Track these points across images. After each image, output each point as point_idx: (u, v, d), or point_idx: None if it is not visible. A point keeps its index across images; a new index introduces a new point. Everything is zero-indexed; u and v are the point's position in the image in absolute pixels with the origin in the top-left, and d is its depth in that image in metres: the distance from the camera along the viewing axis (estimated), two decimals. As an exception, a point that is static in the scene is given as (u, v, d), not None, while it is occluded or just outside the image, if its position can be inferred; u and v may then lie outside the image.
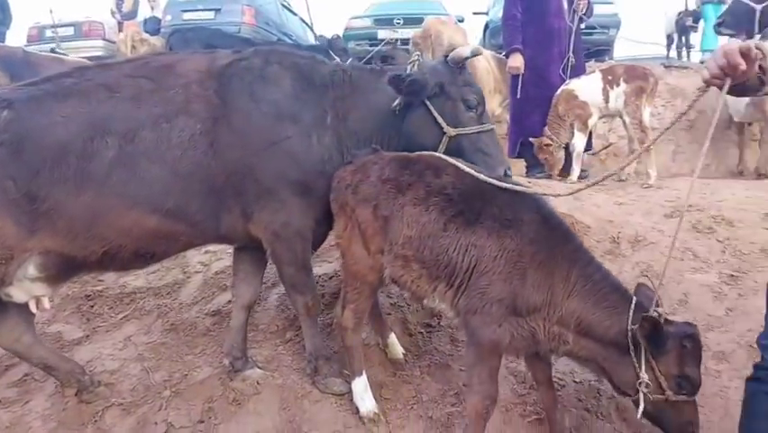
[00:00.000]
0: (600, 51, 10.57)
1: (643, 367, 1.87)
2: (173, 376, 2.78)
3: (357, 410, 2.49)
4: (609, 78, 5.18)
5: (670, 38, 12.23)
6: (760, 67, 1.62)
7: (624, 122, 5.34)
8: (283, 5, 12.00)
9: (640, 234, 3.53)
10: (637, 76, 5.12)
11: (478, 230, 2.10)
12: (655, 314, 1.85)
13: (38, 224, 2.16)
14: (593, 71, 5.41)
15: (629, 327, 1.90)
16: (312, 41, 11.97)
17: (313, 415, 2.52)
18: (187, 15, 10.39)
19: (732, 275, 3.14)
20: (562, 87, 5.37)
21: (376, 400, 2.53)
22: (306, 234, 2.52)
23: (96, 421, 2.56)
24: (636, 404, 1.92)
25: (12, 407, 2.71)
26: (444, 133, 2.51)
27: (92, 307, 3.39)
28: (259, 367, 2.76)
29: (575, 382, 2.60)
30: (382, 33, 10.40)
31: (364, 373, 2.51)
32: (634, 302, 1.95)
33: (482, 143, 2.56)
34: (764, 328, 1.83)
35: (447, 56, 2.60)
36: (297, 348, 2.92)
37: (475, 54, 2.62)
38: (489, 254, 2.06)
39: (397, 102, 2.49)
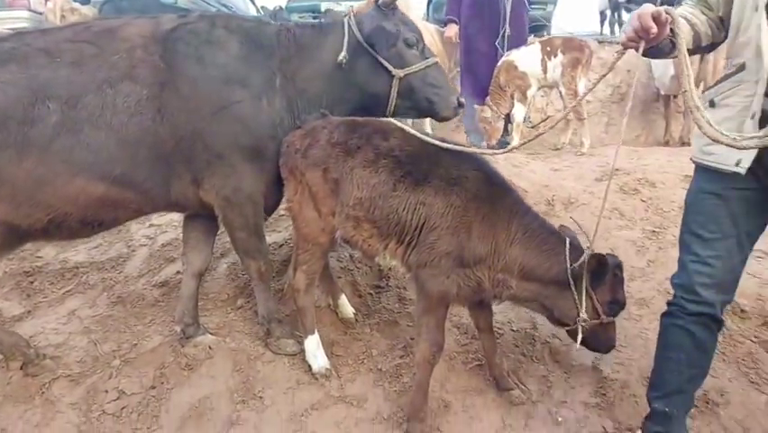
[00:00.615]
0: (538, 27, 10.84)
1: (583, 299, 2.09)
2: (122, 346, 2.78)
3: (310, 368, 2.58)
4: (548, 49, 5.36)
5: (603, 14, 12.67)
6: (671, 30, 1.78)
7: (560, 92, 5.57)
8: (222, -25, 11.60)
9: (573, 196, 3.76)
10: (574, 47, 5.33)
11: (426, 189, 2.20)
12: (590, 252, 2.08)
13: None
14: (533, 43, 5.59)
15: (569, 266, 2.08)
16: (253, 12, 11.67)
17: (266, 375, 2.59)
18: (120, -16, 9.87)
19: (653, 231, 3.41)
20: (503, 59, 5.53)
21: (328, 357, 2.63)
22: (258, 198, 2.55)
23: (43, 393, 2.52)
24: (575, 334, 2.14)
25: (-48, 384, 2.64)
26: (393, 75, 2.56)
27: (32, 283, 3.29)
28: (210, 333, 2.79)
29: (512, 330, 2.79)
30: (325, 5, 10.26)
31: (316, 332, 2.60)
32: (568, 243, 2.15)
33: (431, 78, 2.64)
34: (677, 270, 2.04)
35: (378, 1, 2.63)
36: (249, 315, 2.97)
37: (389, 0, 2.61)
38: (436, 211, 2.17)
39: (342, 55, 2.51)
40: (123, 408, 2.43)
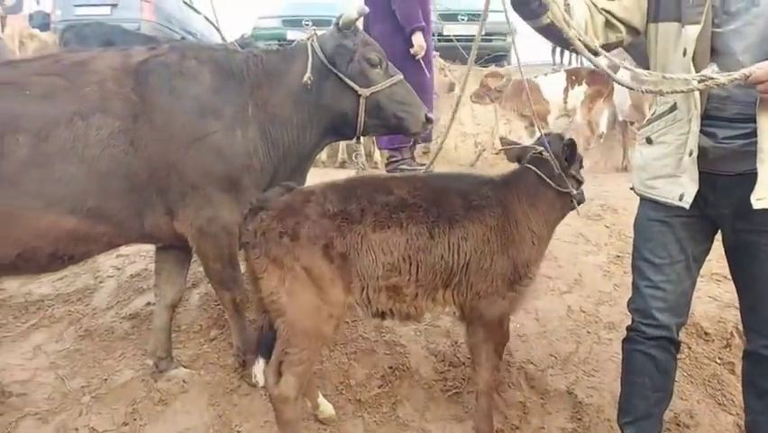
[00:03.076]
0: (499, 57, 11.24)
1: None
2: (91, 382, 2.70)
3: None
4: (573, 78, 5.47)
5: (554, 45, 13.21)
6: None
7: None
8: (185, 2, 11.59)
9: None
10: (599, 80, 5.39)
11: (461, 222, 2.10)
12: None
13: None
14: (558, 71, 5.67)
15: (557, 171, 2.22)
16: (218, 39, 11.68)
17: (243, 408, 2.56)
18: (80, 11, 9.72)
19: (618, 256, 3.55)
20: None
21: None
22: (233, 229, 2.53)
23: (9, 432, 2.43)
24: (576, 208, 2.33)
25: None
26: (359, 95, 2.57)
27: (-6, 317, 3.17)
28: (184, 366, 2.74)
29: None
30: (291, 34, 10.37)
31: None
32: (532, 167, 2.27)
33: (398, 95, 2.65)
34: (631, 295, 2.13)
35: (338, 23, 2.64)
36: (223, 346, 2.93)
37: (361, 14, 2.64)
38: (479, 239, 2.11)
39: (306, 76, 2.51)
40: (94, 446, 2.36)
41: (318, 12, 10.91)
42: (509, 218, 2.17)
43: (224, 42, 9.53)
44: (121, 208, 2.36)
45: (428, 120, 2.75)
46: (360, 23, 2.70)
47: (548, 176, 2.22)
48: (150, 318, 3.06)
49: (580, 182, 2.33)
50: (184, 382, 2.64)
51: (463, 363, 2.78)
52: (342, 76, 2.56)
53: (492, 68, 9.10)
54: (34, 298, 3.31)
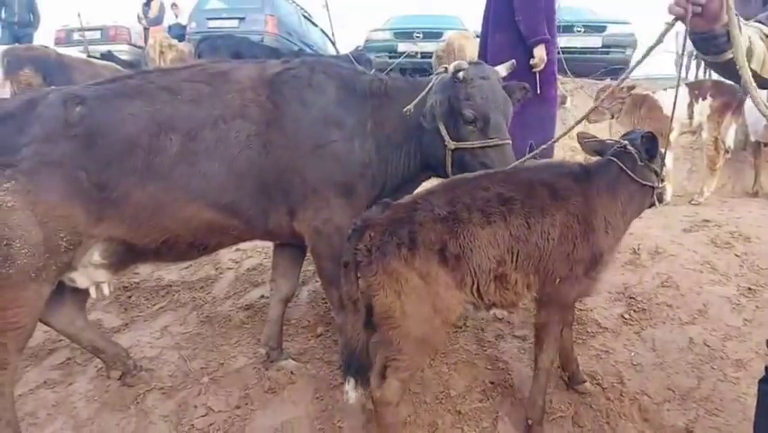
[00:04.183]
0: (617, 70, 10.69)
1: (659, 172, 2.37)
2: (210, 364, 2.91)
3: None
4: (696, 92, 5.12)
5: (679, 58, 12.29)
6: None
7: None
8: (304, 17, 12.27)
9: (660, 246, 3.64)
10: (724, 91, 5.03)
11: (549, 211, 2.20)
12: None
13: (105, 212, 2.30)
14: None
15: (631, 169, 2.31)
16: (331, 51, 12.23)
17: (344, 406, 2.63)
18: (212, 23, 10.67)
19: (750, 288, 3.23)
20: (645, 95, 5.42)
21: (405, 394, 2.63)
22: (345, 231, 2.64)
23: (137, 403, 2.69)
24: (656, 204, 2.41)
25: (56, 388, 2.85)
26: (446, 145, 2.57)
27: (129, 298, 3.53)
28: (293, 359, 2.88)
29: (597, 384, 2.69)
30: (402, 46, 10.60)
31: None
32: (614, 158, 2.35)
33: (486, 158, 2.54)
34: None
35: (454, 71, 2.61)
36: (328, 342, 3.04)
37: (457, 70, 2.54)
38: (564, 225, 2.21)
39: (407, 108, 2.54)
40: (210, 424, 2.54)
41: (429, 24, 11.06)
42: (589, 207, 2.25)
43: (339, 54, 9.98)
44: (251, 206, 2.54)
45: None
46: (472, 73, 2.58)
47: (630, 169, 2.31)
48: (263, 310, 3.26)
49: (660, 178, 2.40)
50: (292, 373, 2.78)
51: (568, 388, 2.67)
52: (439, 123, 2.58)
53: (608, 81, 8.70)
54: (163, 283, 3.65)
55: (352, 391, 2.30)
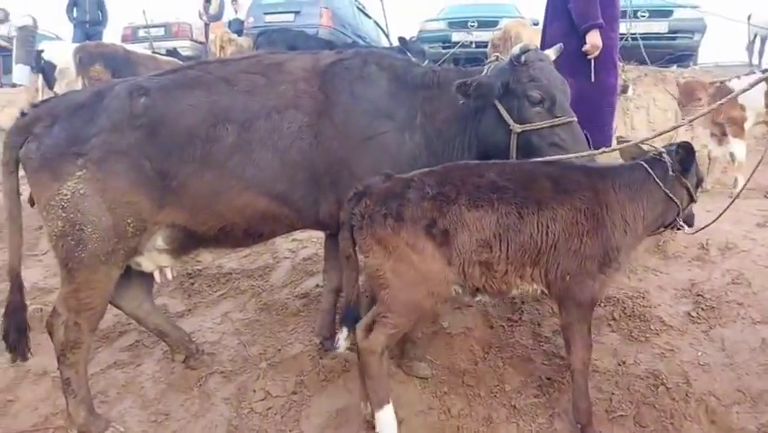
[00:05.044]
0: (684, 56, 10.16)
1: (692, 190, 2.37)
2: (267, 350, 3.00)
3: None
4: None
5: (752, 43, 11.54)
6: None
7: None
8: (358, 8, 12.31)
9: (731, 241, 3.44)
10: None
11: (549, 204, 2.21)
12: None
13: (167, 199, 2.40)
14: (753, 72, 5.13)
15: (662, 181, 2.29)
16: (384, 42, 12.22)
17: (399, 395, 2.63)
18: (268, 18, 10.87)
19: None
20: (717, 85, 5.15)
21: (458, 385, 2.63)
22: None
23: (200, 385, 2.81)
24: (680, 225, 2.41)
25: (126, 368, 3.02)
26: (511, 130, 2.52)
27: (192, 284, 3.68)
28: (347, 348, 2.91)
29: (663, 384, 2.59)
30: (456, 36, 10.45)
31: (390, 402, 2.29)
32: (646, 165, 2.33)
33: (556, 138, 2.52)
34: None
35: (513, 55, 2.59)
36: (382, 333, 3.06)
37: (523, 51, 2.54)
38: (568, 221, 2.21)
39: (462, 101, 2.52)
40: (268, 408, 2.62)
41: (484, 13, 10.86)
42: (600, 203, 2.24)
43: (392, 46, 9.97)
44: (302, 195, 2.58)
45: None
46: (533, 57, 2.57)
47: (660, 177, 2.30)
48: (318, 299, 3.32)
49: (691, 198, 2.38)
50: (346, 361, 2.82)
51: (629, 388, 2.58)
52: (500, 108, 2.54)
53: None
54: (224, 271, 3.78)
55: (342, 341, 2.36)
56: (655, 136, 2.84)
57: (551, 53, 2.75)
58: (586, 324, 2.29)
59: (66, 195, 2.30)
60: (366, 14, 12.68)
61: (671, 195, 2.31)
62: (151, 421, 2.63)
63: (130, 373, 2.98)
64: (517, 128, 2.52)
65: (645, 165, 2.33)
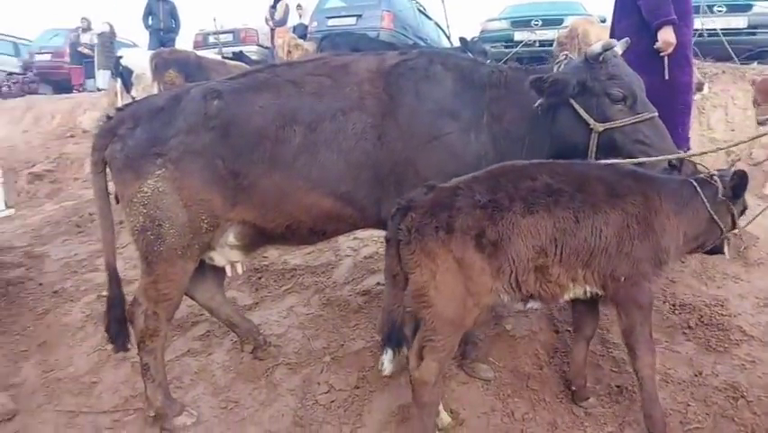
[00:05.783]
0: (765, 53, 9.54)
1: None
2: (331, 345, 3.06)
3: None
4: None
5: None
6: None
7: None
8: (419, 10, 12.34)
9: (819, 248, 3.22)
10: None
11: (603, 208, 2.19)
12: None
13: (238, 197, 2.50)
14: None
15: (710, 204, 2.30)
16: (445, 43, 12.19)
17: (460, 396, 2.64)
18: (331, 21, 11.08)
19: None
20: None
21: (523, 389, 2.59)
22: None
23: (267, 376, 2.90)
24: (721, 249, 2.44)
25: (198, 356, 3.16)
26: (592, 129, 2.46)
27: (259, 279, 3.81)
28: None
29: (715, 387, 2.45)
30: (519, 35, 10.27)
31: None
32: (697, 185, 2.33)
33: (640, 134, 2.46)
34: None
35: (587, 53, 2.54)
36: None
37: (606, 48, 2.48)
38: (620, 224, 2.19)
39: (538, 102, 2.48)
40: (332, 401, 2.68)
41: (548, 11, 10.62)
42: (649, 208, 2.23)
43: (453, 46, 9.92)
44: (365, 195, 2.61)
45: (672, 166, 2.51)
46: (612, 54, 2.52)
47: (708, 198, 2.30)
48: (379, 296, 3.35)
49: (734, 225, 2.37)
50: (407, 359, 2.82)
51: (705, 400, 2.46)
52: (577, 107, 2.48)
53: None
54: (289, 267, 3.88)
55: (388, 363, 2.33)
56: (738, 144, 2.70)
57: (617, 48, 2.65)
58: (647, 327, 2.25)
59: (146, 192, 2.43)
60: (427, 16, 12.68)
61: (716, 217, 2.31)
62: (222, 408, 2.75)
63: (202, 361, 3.12)
64: (599, 127, 2.46)
65: (695, 183, 2.34)
